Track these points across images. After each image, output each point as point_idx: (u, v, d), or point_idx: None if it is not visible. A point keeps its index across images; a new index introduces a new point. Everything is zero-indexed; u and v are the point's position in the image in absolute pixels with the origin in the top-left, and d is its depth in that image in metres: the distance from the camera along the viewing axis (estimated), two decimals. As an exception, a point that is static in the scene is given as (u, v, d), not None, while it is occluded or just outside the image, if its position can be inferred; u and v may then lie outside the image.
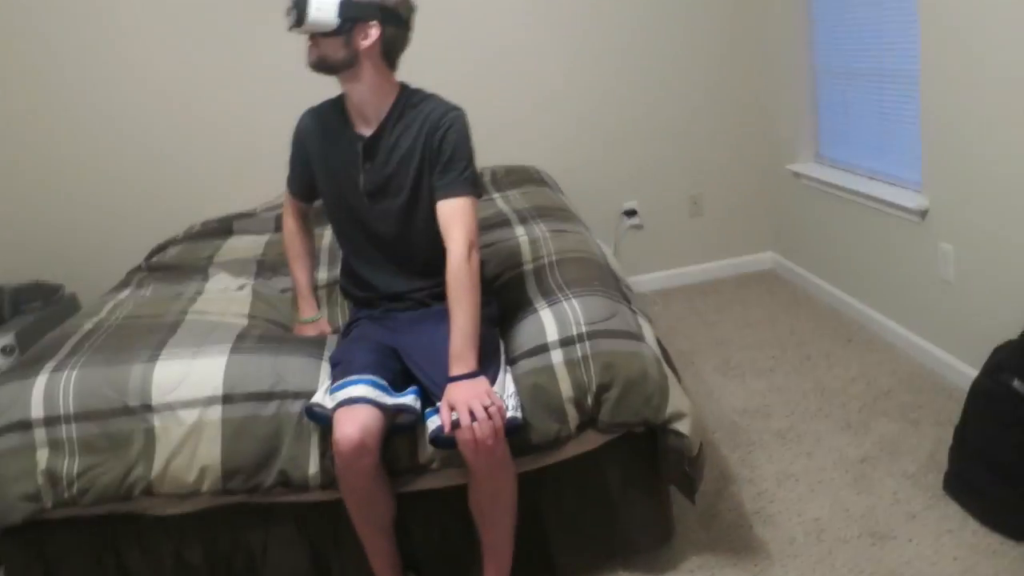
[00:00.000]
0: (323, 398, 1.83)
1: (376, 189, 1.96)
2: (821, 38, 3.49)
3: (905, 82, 2.92)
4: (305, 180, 2.13)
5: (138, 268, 2.92)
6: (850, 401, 2.75)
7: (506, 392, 1.83)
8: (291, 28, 1.83)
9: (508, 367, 1.92)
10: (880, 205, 3.07)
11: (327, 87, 2.00)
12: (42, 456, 1.81)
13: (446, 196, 1.91)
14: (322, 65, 1.88)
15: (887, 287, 3.13)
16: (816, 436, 2.57)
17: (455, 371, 1.78)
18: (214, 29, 3.49)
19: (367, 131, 1.96)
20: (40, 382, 1.88)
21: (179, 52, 3.50)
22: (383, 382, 1.82)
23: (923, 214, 2.82)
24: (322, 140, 2.02)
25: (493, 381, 1.81)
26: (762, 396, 2.86)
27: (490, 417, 1.70)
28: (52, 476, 1.80)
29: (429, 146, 1.92)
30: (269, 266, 2.76)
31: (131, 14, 3.42)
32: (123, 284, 2.69)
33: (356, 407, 1.74)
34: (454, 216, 1.88)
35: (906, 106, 2.94)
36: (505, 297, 2.20)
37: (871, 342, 3.16)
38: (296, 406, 1.87)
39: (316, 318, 2.25)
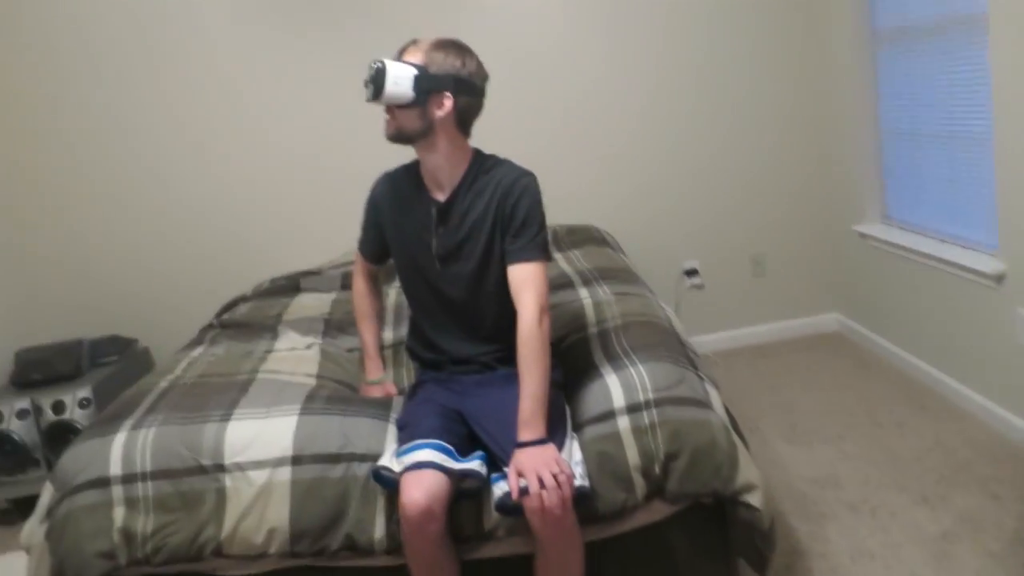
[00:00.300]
0: (390, 461, 1.84)
1: (448, 253, 1.99)
2: (887, 98, 3.46)
3: (976, 143, 2.87)
4: (377, 243, 2.18)
5: (210, 325, 3.00)
6: (926, 472, 2.65)
7: (573, 459, 1.81)
8: (369, 100, 1.90)
9: (574, 433, 1.91)
10: (953, 268, 2.99)
11: (395, 149, 2.05)
12: (118, 514, 1.85)
13: (518, 260, 1.93)
14: (399, 136, 1.94)
15: (962, 352, 3.04)
16: (891, 509, 2.48)
17: (524, 436, 1.77)
18: (284, 92, 3.63)
19: (441, 196, 2.00)
20: (119, 440, 1.93)
21: (252, 115, 3.64)
22: (449, 446, 1.83)
23: (999, 278, 2.74)
24: (396, 204, 2.07)
25: (560, 447, 1.80)
26: (832, 465, 2.78)
27: (559, 485, 1.68)
28: (127, 534, 1.84)
29: (502, 211, 1.95)
30: (336, 325, 2.81)
31: (201, 79, 3.59)
32: (196, 342, 2.77)
33: (423, 472, 1.75)
34: (526, 281, 1.90)
35: (978, 167, 2.88)
36: (570, 361, 2.19)
37: (946, 410, 3.06)
38: (363, 468, 1.89)
39: (383, 379, 2.28)
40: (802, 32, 3.82)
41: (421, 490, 1.71)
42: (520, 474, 1.71)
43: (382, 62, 1.86)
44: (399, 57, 1.92)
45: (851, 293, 3.92)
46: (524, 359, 1.83)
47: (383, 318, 2.42)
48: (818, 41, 3.80)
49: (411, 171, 2.07)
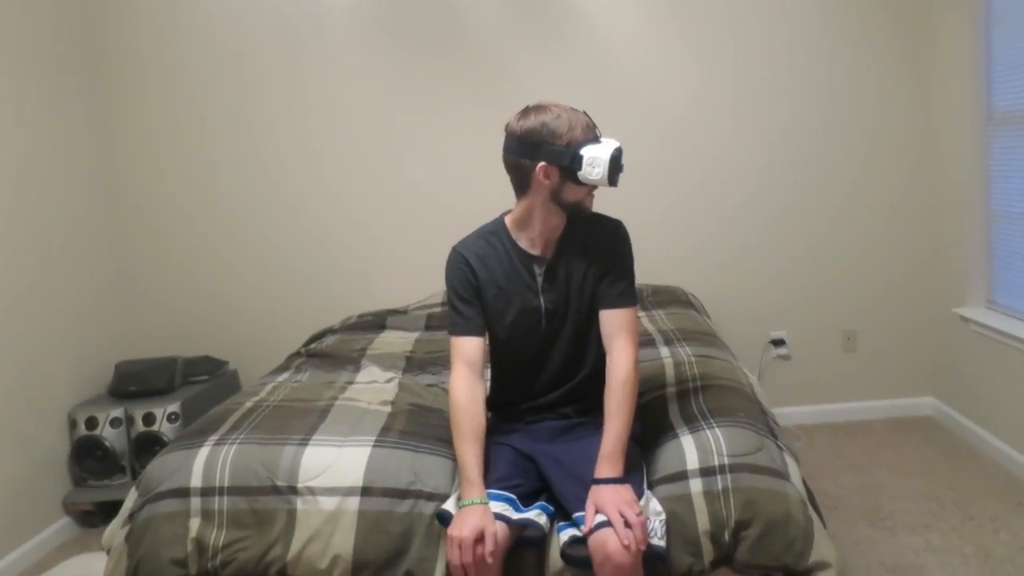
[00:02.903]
0: (454, 505, 1.85)
1: (556, 309, 2.01)
2: (999, 181, 3.34)
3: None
4: (482, 316, 2.02)
5: (297, 353, 3.10)
6: (1020, 573, 2.48)
7: (653, 513, 1.79)
8: (611, 185, 1.91)
9: (649, 493, 1.88)
10: (1060, 359, 2.84)
11: (495, 198, 2.08)
12: (194, 524, 1.92)
13: (615, 306, 1.97)
14: None
15: (1067, 450, 2.86)
16: (978, 608, 2.33)
17: (604, 473, 1.79)
18: (393, 137, 3.77)
19: (542, 253, 2.02)
20: (203, 454, 2.01)
21: (351, 153, 3.79)
22: (512, 495, 1.84)
23: (1112, 374, 2.58)
24: (497, 271, 2.01)
25: (639, 496, 1.79)
26: (915, 554, 2.63)
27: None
28: (200, 545, 1.90)
29: (601, 257, 1.99)
30: (417, 363, 2.87)
31: (308, 116, 3.75)
32: (282, 368, 2.87)
33: None
34: (623, 327, 1.95)
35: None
36: (646, 419, 2.17)
37: (1046, 509, 2.87)
38: (429, 507, 1.90)
39: (484, 501, 1.80)
40: (915, 110, 3.74)
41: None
42: (598, 509, 1.72)
43: (619, 144, 1.89)
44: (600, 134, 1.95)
45: (948, 377, 3.75)
46: (615, 400, 1.87)
47: (484, 434, 1.96)
48: (931, 119, 3.71)
49: (496, 235, 2.04)
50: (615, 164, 1.87)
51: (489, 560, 1.70)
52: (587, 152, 1.86)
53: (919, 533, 2.77)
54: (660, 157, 3.77)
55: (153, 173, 3.76)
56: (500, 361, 2.11)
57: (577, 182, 1.90)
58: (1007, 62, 3.22)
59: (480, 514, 1.74)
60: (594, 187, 1.95)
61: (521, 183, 1.96)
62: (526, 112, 1.93)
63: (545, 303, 2.00)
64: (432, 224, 3.74)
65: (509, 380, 2.11)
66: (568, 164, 1.87)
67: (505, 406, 2.13)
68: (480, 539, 1.70)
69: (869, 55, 3.72)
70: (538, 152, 1.88)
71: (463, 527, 1.72)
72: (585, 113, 1.94)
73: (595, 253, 2.00)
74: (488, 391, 2.20)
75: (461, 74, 3.71)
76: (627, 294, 1.98)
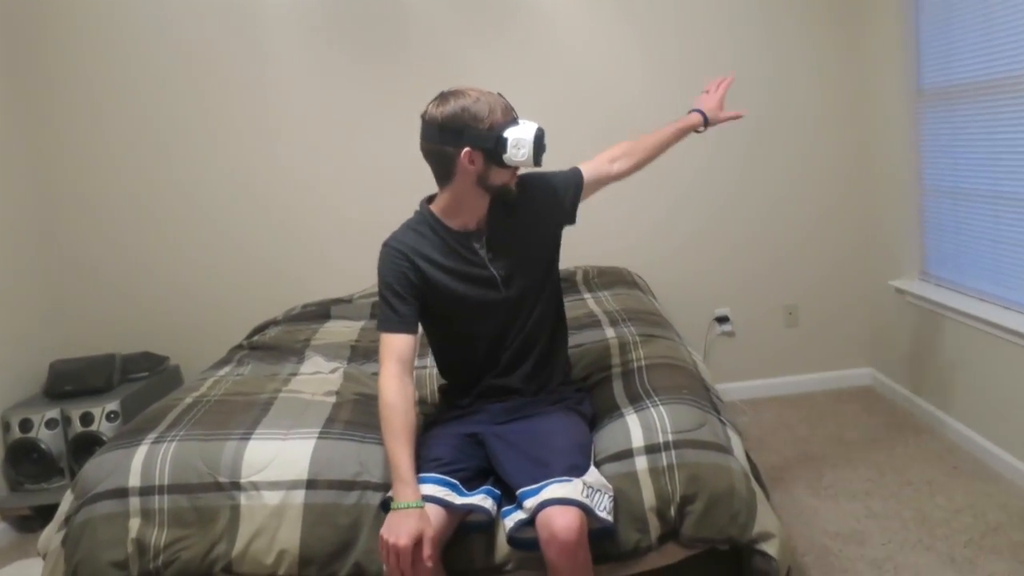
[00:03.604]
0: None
1: (509, 274, 2.00)
2: (931, 156, 3.42)
3: (1022, 204, 2.82)
4: (417, 312, 1.97)
5: (239, 346, 3.05)
6: (954, 534, 2.57)
7: (602, 487, 1.79)
8: (536, 165, 1.92)
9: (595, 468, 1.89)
10: (993, 329, 2.92)
11: (426, 185, 2.07)
12: (134, 524, 1.87)
13: (575, 174, 2.15)
14: None
15: (999, 415, 2.95)
16: (916, 569, 2.40)
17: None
18: (325, 127, 3.71)
19: (477, 229, 2.01)
20: (140, 452, 1.96)
21: (296, 141, 3.72)
22: (455, 480, 1.82)
23: (1037, 339, 2.68)
24: (439, 258, 1.97)
25: (584, 472, 1.79)
26: (857, 520, 2.71)
27: None
28: (141, 545, 1.85)
29: (537, 218, 2.04)
30: (362, 352, 2.84)
31: (243, 110, 3.67)
32: (224, 361, 2.81)
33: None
34: (595, 156, 2.23)
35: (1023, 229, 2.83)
36: (592, 399, 2.18)
37: (979, 472, 2.97)
38: (376, 498, 1.89)
39: (420, 504, 1.74)
40: (849, 89, 3.81)
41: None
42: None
43: (539, 125, 1.90)
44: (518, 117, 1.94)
45: (886, 348, 3.85)
46: (648, 137, 2.34)
47: (417, 430, 1.92)
48: (864, 98, 3.79)
49: (425, 224, 2.00)
50: (539, 144, 1.88)
51: (428, 564, 1.66)
52: (511, 134, 1.86)
53: (860, 500, 2.84)
54: (605, 143, 3.74)
55: (87, 162, 3.64)
56: (466, 345, 2.06)
57: (502, 165, 1.89)
58: (936, 40, 3.29)
59: (416, 518, 1.68)
60: (517, 168, 1.95)
61: (444, 171, 1.93)
62: (444, 98, 1.88)
63: (497, 271, 1.99)
64: (378, 214, 3.66)
65: (469, 363, 2.07)
66: (493, 147, 1.86)
67: (457, 393, 2.11)
68: (418, 544, 1.66)
69: (806, 38, 3.76)
70: (461, 138, 1.85)
71: (399, 534, 1.64)
72: (500, 95, 1.93)
73: (528, 214, 2.03)
74: (442, 381, 2.20)
75: (410, 60, 3.65)
76: (572, 170, 2.15)
